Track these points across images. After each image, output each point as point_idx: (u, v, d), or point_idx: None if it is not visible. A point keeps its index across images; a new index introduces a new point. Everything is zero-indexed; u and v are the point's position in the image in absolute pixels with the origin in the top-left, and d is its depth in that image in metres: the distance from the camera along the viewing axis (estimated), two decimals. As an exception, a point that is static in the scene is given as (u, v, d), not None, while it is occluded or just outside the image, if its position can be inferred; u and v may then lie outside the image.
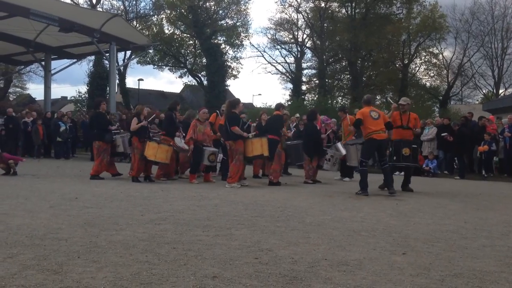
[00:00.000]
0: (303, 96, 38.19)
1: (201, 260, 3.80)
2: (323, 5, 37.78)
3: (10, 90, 42.34)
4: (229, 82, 42.23)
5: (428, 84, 38.41)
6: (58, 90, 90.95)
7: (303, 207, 7.05)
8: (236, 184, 9.73)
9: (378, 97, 38.17)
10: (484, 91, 40.15)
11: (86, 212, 5.92)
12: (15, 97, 44.45)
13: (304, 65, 41.81)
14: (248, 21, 44.63)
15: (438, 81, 38.73)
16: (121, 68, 35.40)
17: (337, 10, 38.50)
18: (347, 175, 12.51)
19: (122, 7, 37.98)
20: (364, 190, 8.81)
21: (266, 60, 43.41)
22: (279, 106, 11.26)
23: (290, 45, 41.88)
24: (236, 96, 42.24)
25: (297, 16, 40.39)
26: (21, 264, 3.53)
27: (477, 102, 39.29)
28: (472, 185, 12.31)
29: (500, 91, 37.68)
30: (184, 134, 11.19)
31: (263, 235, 4.86)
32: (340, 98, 39.05)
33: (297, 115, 16.59)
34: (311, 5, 38.97)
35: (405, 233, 5.15)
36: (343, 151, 11.81)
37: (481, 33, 36.30)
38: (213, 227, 5.17)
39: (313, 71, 41.29)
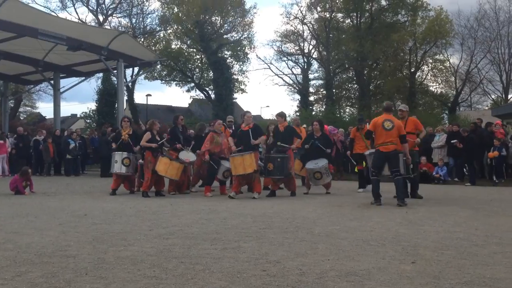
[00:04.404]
0: (311, 107, 38.19)
1: (209, 274, 3.79)
2: (328, 16, 37.95)
3: (21, 109, 42.80)
4: (237, 95, 42.20)
5: (438, 90, 38.30)
6: (68, 108, 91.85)
7: (311, 217, 7.02)
8: (233, 194, 9.95)
9: (386, 106, 38.03)
10: (493, 97, 39.91)
11: (95, 229, 5.94)
12: (25, 116, 44.93)
13: (311, 76, 41.91)
14: (253, 35, 44.92)
15: (446, 88, 38.58)
16: (129, 84, 35.68)
17: (342, 20, 38.67)
18: (361, 186, 12.27)
19: (129, 24, 38.44)
20: (376, 200, 8.71)
21: (273, 72, 43.47)
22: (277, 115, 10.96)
23: (297, 56, 42.04)
24: (244, 109, 42.37)
25: (303, 27, 40.59)
26: (30, 282, 3.55)
27: (486, 108, 39.01)
28: (483, 191, 12.18)
29: (510, 96, 37.39)
30: (183, 147, 11.13)
31: (271, 247, 4.85)
32: (348, 108, 39.06)
33: (304, 125, 16.56)
34: (316, 16, 39.23)
35: (415, 242, 5.11)
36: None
37: (487, 39, 36.15)
38: (221, 240, 5.17)
39: (320, 82, 41.38)
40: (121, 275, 3.74)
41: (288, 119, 22.48)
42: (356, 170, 12.92)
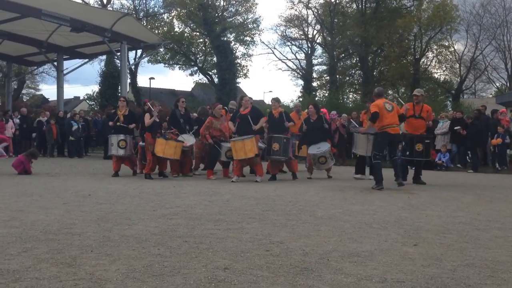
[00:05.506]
0: (314, 93, 38.09)
1: (213, 253, 3.83)
2: (333, 0, 37.66)
3: (24, 91, 42.80)
4: (240, 79, 42.11)
5: (442, 77, 38.11)
6: (70, 90, 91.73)
7: (314, 201, 7.05)
8: (235, 178, 9.89)
9: (390, 92, 37.97)
10: (497, 85, 39.70)
11: (99, 208, 5.99)
12: (28, 98, 44.92)
13: (314, 62, 41.75)
14: (258, 18, 44.65)
15: (451, 75, 38.38)
16: (132, 67, 35.57)
17: (347, 5, 38.36)
18: (360, 172, 12.22)
19: (132, 6, 38.22)
20: (379, 184, 8.68)
21: (277, 57, 43.54)
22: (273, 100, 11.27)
23: (301, 41, 41.83)
24: (247, 93, 42.33)
25: (307, 12, 40.33)
26: (36, 258, 3.59)
27: (490, 95, 38.80)
28: (486, 178, 12.20)
29: (514, 84, 37.24)
30: (184, 131, 11.13)
31: (274, 228, 4.88)
32: (352, 94, 38.97)
33: (306, 110, 16.52)
34: (321, 0, 38.93)
35: (417, 225, 5.13)
36: None
37: (493, 25, 35.83)
38: (224, 221, 5.20)
39: (324, 67, 41.22)
40: (126, 253, 3.78)
41: (291, 104, 22.37)
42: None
